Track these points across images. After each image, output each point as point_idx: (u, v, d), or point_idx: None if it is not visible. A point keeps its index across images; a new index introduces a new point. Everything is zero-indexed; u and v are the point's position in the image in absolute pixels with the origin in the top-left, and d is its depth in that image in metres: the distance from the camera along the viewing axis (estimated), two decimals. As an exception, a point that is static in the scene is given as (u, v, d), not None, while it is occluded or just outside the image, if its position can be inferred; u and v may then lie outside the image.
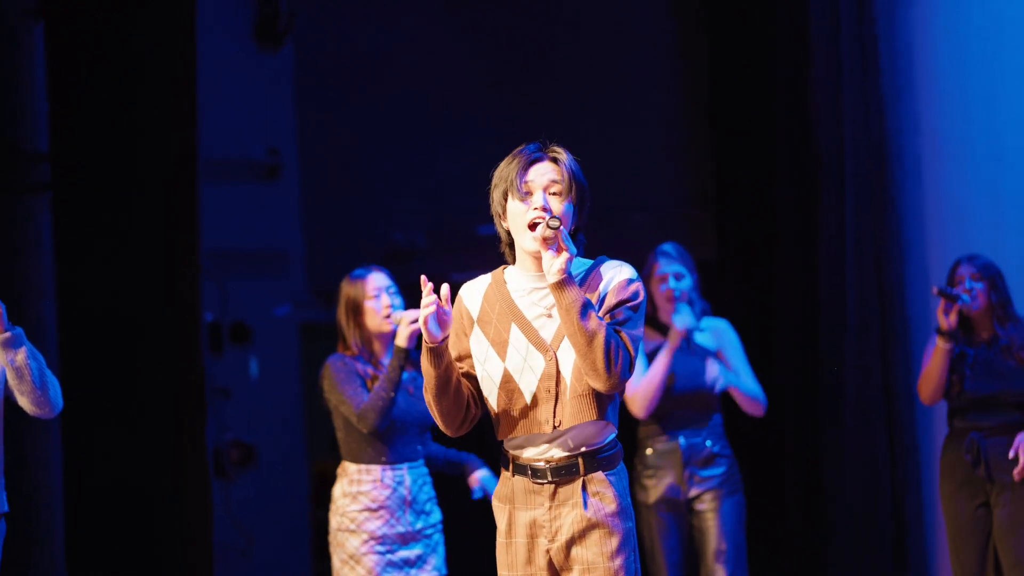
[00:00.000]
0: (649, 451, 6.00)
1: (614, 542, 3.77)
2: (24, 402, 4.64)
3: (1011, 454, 5.71)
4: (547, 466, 3.81)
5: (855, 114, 7.04)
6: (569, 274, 3.70)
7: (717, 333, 6.07)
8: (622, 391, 3.79)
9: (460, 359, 3.93)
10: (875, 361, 6.94)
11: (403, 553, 5.43)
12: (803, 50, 7.15)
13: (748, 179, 7.44)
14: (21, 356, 4.54)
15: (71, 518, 7.03)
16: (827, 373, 6.99)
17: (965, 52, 6.99)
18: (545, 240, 3.71)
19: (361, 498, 5.43)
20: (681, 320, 5.91)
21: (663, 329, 6.06)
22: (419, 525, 5.46)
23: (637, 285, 3.83)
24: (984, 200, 6.90)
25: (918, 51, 7.10)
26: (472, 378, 3.91)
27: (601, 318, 3.72)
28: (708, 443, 5.98)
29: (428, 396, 3.85)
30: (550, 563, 3.85)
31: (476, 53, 8.61)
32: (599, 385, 3.72)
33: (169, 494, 6.98)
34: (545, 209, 3.76)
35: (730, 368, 6.05)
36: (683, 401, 5.98)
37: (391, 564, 5.40)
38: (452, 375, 3.85)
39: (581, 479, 3.78)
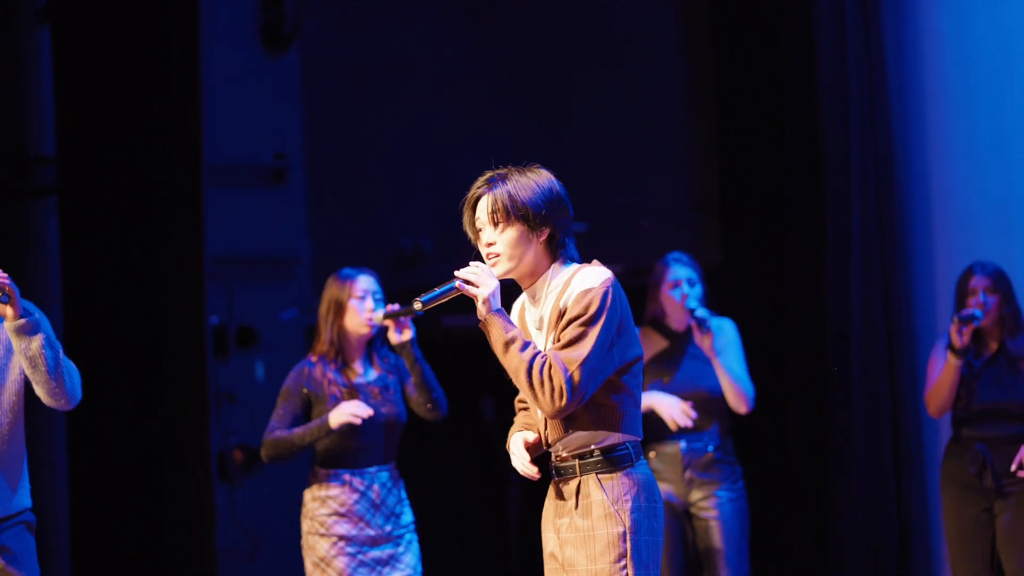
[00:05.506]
0: (652, 454, 5.96)
1: (597, 546, 3.78)
2: (40, 392, 4.45)
3: (1013, 466, 5.70)
4: (553, 464, 3.91)
5: (862, 122, 7.03)
6: (493, 311, 3.80)
7: (719, 332, 6.00)
8: (565, 414, 3.80)
9: None
10: (881, 368, 6.93)
11: (374, 554, 5.42)
12: (810, 57, 7.15)
13: (754, 185, 7.43)
14: (36, 344, 4.34)
15: (76, 521, 7.04)
16: (833, 380, 6.98)
17: (972, 60, 6.98)
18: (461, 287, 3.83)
19: (330, 502, 5.43)
20: (710, 334, 5.88)
21: (670, 334, 6.04)
22: (388, 528, 5.45)
23: (593, 293, 3.77)
24: (991, 208, 6.89)
25: (925, 59, 7.09)
26: None
27: (527, 344, 3.78)
28: (710, 447, 5.96)
29: None
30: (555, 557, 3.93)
31: (483, 58, 8.61)
32: (541, 411, 3.82)
33: (174, 497, 6.99)
34: (489, 244, 3.86)
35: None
36: None
37: (362, 565, 5.40)
38: None
39: (578, 480, 3.84)
